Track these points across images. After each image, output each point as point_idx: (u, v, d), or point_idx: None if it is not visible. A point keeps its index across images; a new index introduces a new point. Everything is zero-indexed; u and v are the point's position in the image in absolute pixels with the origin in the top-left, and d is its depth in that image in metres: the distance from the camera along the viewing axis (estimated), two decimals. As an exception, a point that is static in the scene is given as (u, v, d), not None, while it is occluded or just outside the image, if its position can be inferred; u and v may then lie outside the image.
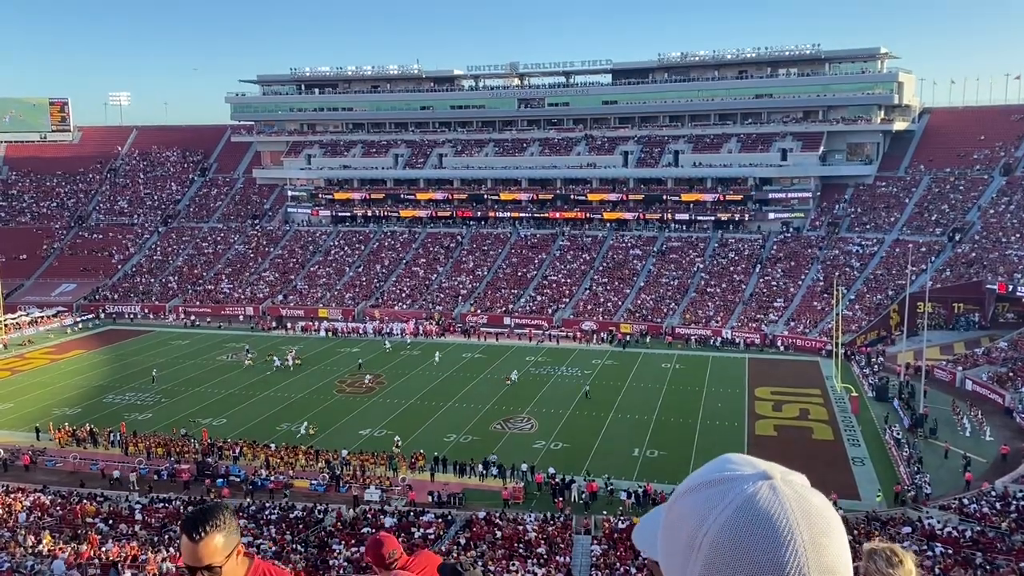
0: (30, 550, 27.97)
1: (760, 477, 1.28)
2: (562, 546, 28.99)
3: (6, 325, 69.03)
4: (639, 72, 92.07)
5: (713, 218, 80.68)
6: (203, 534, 2.58)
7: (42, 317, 72.93)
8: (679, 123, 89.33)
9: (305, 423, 44.82)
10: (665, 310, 69.59)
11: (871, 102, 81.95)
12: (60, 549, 27.90)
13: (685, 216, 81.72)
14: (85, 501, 34.43)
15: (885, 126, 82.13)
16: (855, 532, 27.48)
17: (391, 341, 65.19)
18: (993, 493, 33.49)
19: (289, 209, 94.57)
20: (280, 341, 65.73)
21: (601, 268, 77.80)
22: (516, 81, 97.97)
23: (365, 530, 31.07)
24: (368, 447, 41.03)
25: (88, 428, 43.75)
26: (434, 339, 66.65)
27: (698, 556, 1.24)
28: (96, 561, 26.49)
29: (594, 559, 27.83)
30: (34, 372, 58.04)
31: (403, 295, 77.27)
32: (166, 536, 30.07)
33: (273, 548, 28.54)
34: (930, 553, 26.50)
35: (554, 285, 76.14)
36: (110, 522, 31.86)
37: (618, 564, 26.73)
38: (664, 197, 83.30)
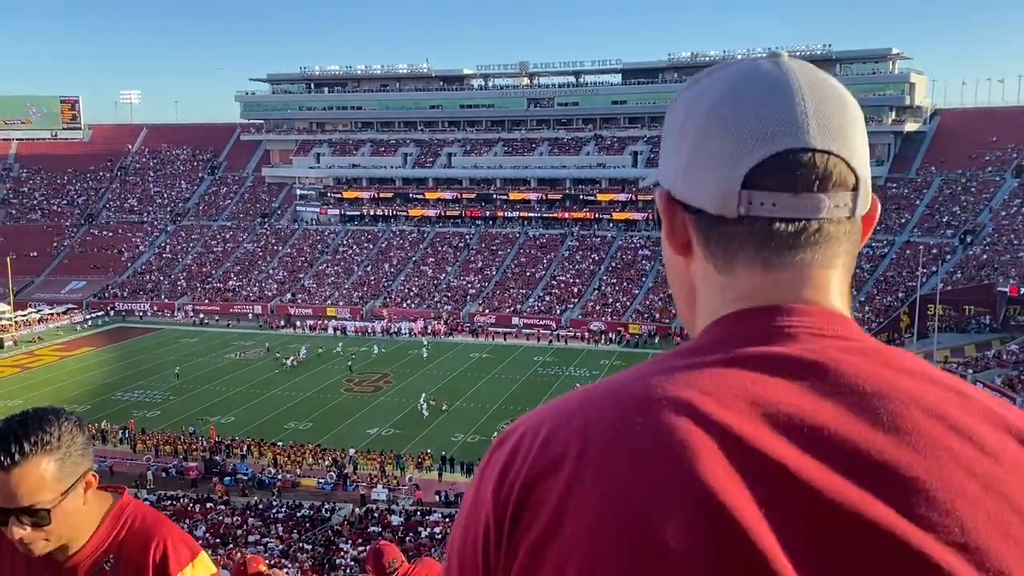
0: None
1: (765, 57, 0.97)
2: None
3: (16, 322, 69.31)
4: (649, 72, 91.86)
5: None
6: (18, 457, 1.72)
7: (52, 314, 73.19)
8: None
9: (424, 395, 47.09)
10: (674, 311, 69.02)
11: (882, 103, 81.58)
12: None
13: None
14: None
15: (896, 127, 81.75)
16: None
17: (382, 344, 65.04)
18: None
19: (298, 208, 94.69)
20: (288, 339, 65.80)
21: (610, 268, 77.64)
22: (525, 80, 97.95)
23: (372, 529, 31.10)
24: (376, 446, 41.03)
25: (98, 426, 43.82)
26: (443, 338, 66.59)
27: (685, 135, 0.95)
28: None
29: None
30: (44, 369, 58.22)
31: (411, 294, 77.28)
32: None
33: (280, 546, 28.56)
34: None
35: (563, 285, 76.03)
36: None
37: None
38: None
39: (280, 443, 41.47)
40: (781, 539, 0.72)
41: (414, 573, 4.61)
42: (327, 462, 39.37)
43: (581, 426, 0.81)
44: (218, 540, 30.06)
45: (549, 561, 0.78)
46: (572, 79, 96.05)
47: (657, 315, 68.73)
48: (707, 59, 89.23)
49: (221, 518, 32.79)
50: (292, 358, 58.12)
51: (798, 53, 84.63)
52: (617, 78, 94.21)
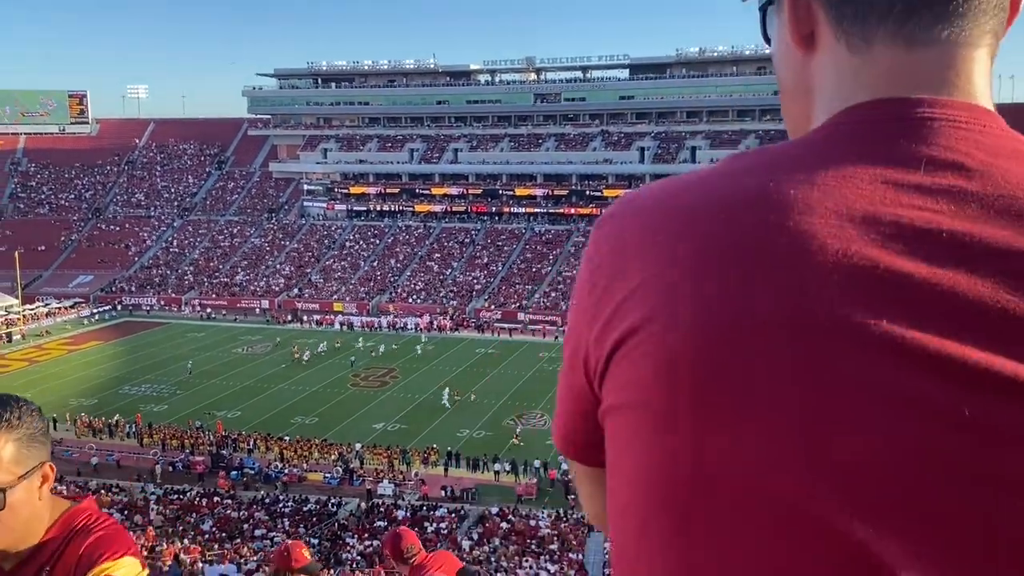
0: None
1: None
2: (575, 543, 28.93)
3: (24, 316, 69.60)
4: (657, 67, 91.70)
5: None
6: None
7: (60, 308, 73.46)
8: (697, 119, 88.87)
9: (447, 391, 47.46)
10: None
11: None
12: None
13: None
14: (102, 491, 34.68)
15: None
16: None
17: (390, 340, 65.07)
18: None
19: (305, 203, 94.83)
20: (295, 334, 65.91)
21: (616, 264, 77.47)
22: (532, 76, 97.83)
23: (379, 523, 31.17)
24: (382, 441, 41.10)
25: (105, 420, 43.98)
26: (448, 334, 66.61)
27: None
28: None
29: (607, 557, 27.75)
30: (52, 363, 58.46)
31: (417, 289, 77.34)
32: (180, 527, 30.29)
33: (288, 541, 28.66)
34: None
35: (568, 281, 75.94)
36: (125, 513, 32.07)
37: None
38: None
39: (287, 437, 41.59)
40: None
41: (430, 561, 4.62)
42: (333, 457, 39.46)
43: (685, 223, 0.75)
44: (224, 534, 30.18)
45: (638, 350, 0.72)
46: (579, 74, 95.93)
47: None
48: (715, 54, 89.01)
49: (228, 512, 32.91)
50: (308, 352, 58.18)
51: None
52: (624, 73, 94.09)
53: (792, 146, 0.79)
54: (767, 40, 0.96)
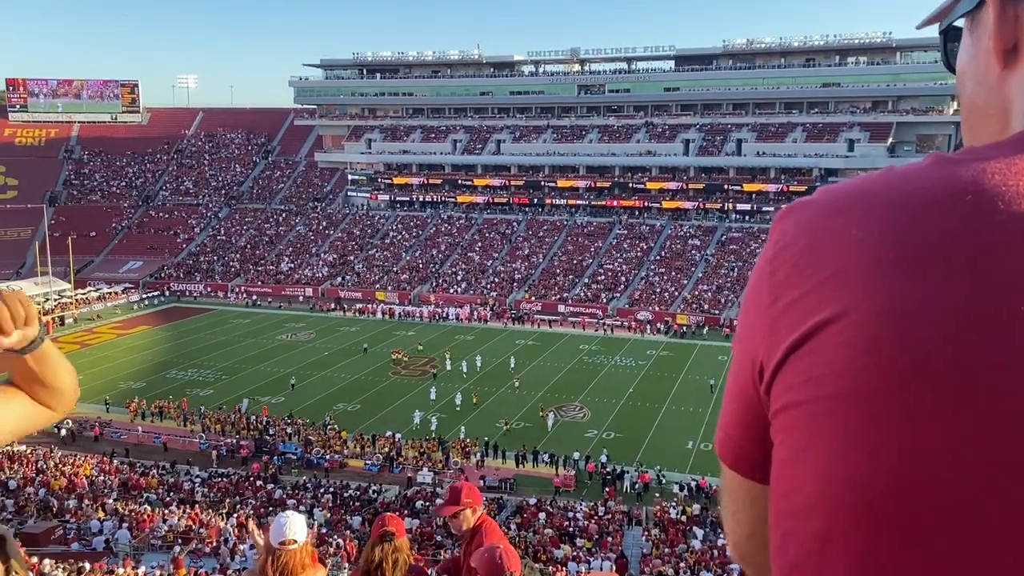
0: (105, 512, 28.90)
1: None
2: (614, 535, 28.90)
3: (76, 300, 71.39)
4: (703, 59, 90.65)
5: (776, 209, 79.05)
6: None
7: (110, 293, 75.20)
8: (743, 111, 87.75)
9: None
10: (723, 301, 68.55)
11: (944, 92, 79.35)
12: (129, 510, 28.83)
13: (747, 206, 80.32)
14: (151, 473, 35.50)
15: (958, 117, 78.89)
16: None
17: (432, 330, 65.35)
18: None
19: (349, 193, 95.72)
20: (339, 322, 66.64)
21: (658, 258, 77.02)
22: (576, 67, 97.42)
23: (419, 503, 31.52)
24: (421, 433, 41.38)
25: (159, 402, 44.89)
26: (487, 324, 66.73)
27: None
28: (158, 531, 27.30)
29: (645, 549, 27.68)
30: (102, 346, 59.89)
31: (458, 280, 77.63)
32: (224, 508, 30.92)
33: (328, 513, 29.06)
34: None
35: (610, 273, 75.67)
36: (171, 494, 32.82)
37: (669, 551, 26.54)
38: (725, 187, 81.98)
39: (332, 425, 42.06)
40: None
41: (486, 527, 4.69)
42: (380, 445, 39.69)
43: (892, 213, 0.75)
44: (267, 516, 30.72)
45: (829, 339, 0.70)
46: (624, 66, 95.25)
47: (706, 305, 68.04)
48: (763, 46, 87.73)
49: (271, 491, 33.44)
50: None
51: (857, 41, 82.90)
52: (670, 65, 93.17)
53: (1001, 145, 0.77)
54: (949, 67, 0.94)
